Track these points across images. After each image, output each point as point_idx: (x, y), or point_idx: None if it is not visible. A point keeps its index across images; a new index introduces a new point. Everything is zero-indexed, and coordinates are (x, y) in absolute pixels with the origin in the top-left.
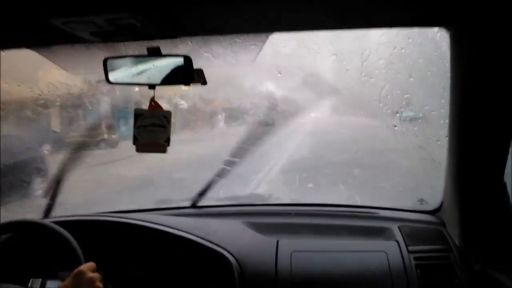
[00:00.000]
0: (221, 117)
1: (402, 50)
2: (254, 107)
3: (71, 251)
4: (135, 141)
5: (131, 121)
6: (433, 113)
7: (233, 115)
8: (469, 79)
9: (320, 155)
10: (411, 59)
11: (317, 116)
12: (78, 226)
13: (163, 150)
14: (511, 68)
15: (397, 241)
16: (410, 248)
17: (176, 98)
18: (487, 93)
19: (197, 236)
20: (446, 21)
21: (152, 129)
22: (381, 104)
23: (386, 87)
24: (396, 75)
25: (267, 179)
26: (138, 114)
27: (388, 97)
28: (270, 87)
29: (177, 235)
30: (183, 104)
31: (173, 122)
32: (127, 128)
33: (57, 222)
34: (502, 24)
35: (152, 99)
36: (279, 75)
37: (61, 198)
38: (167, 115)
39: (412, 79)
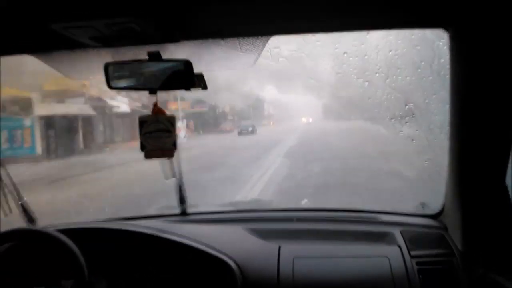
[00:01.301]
0: (181, 125)
1: (402, 51)
2: (230, 113)
3: (73, 259)
4: (143, 148)
5: (21, 134)
6: (435, 116)
7: (199, 122)
8: (469, 80)
9: (320, 160)
10: (412, 62)
11: (314, 121)
12: (81, 234)
13: (171, 155)
14: (511, 69)
15: (399, 246)
16: (412, 252)
17: (107, 99)
18: (488, 94)
19: (199, 243)
20: (446, 22)
21: (157, 135)
22: (381, 109)
23: (386, 91)
24: (396, 79)
25: (266, 182)
26: (143, 121)
27: (389, 101)
28: (256, 89)
29: (179, 242)
30: (119, 106)
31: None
32: (12, 145)
33: (59, 230)
34: (501, 24)
35: (155, 104)
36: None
37: None
38: (171, 119)
39: (413, 82)
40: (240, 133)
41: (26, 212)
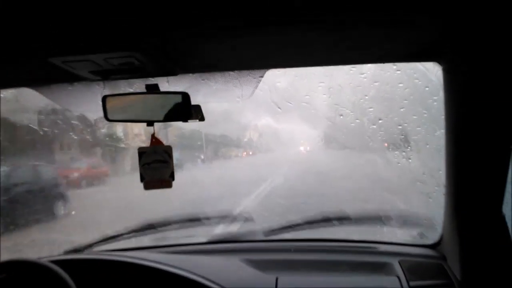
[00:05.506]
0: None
1: (397, 84)
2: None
3: None
4: (142, 179)
5: None
6: (431, 146)
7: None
8: (463, 112)
9: (314, 190)
10: (406, 93)
11: (309, 151)
12: (75, 266)
13: (169, 185)
14: (504, 98)
15: (397, 277)
16: (411, 283)
17: None
18: (482, 125)
19: (195, 274)
20: (438, 56)
21: (155, 166)
22: (377, 138)
23: (381, 121)
24: (391, 109)
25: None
26: (142, 152)
27: (384, 131)
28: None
29: (174, 273)
30: None
31: None
32: None
33: (53, 261)
34: (494, 56)
35: (153, 136)
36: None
37: None
38: (167, 150)
39: (408, 112)
40: None
41: None
